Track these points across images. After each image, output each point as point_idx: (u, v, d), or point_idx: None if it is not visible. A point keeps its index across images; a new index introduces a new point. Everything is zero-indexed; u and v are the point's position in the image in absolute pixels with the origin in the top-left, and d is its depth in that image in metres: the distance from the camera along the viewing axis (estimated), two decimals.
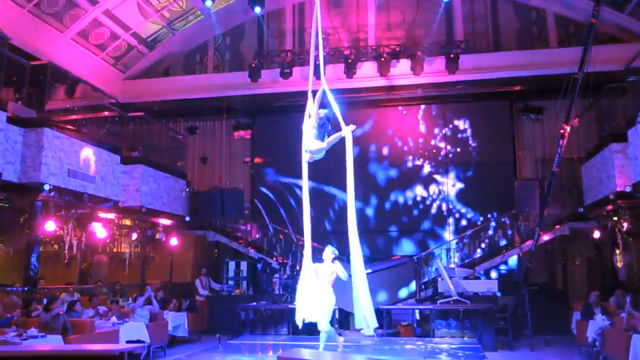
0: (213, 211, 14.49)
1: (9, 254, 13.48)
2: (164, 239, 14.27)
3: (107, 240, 14.23)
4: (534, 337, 10.90)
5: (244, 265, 14.40)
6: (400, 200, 15.51)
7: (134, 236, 14.02)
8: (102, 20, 14.04)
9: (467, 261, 14.05)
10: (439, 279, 12.21)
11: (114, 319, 9.85)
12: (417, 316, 11.32)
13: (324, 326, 7.26)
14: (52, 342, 7.73)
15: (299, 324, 7.31)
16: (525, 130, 15.26)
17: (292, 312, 7.41)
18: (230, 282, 14.30)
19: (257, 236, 15.38)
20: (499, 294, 11.95)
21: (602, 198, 11.77)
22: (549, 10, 15.06)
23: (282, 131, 15.11)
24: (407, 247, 15.23)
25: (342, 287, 7.62)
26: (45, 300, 8.72)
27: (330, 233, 15.10)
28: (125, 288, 13.63)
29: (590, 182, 12.52)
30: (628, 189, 10.64)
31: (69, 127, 11.11)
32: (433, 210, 15.33)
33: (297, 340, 9.76)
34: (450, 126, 15.61)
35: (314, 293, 7.20)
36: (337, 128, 7.31)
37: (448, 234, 15.09)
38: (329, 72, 13.09)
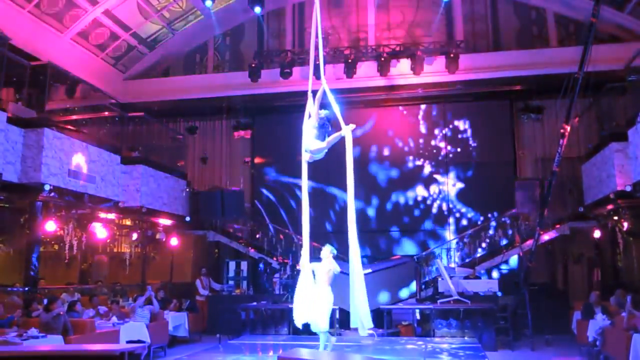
0: (213, 211, 14.49)
1: (10, 254, 13.49)
2: (164, 239, 14.28)
3: (108, 241, 14.25)
4: (535, 337, 10.90)
5: (244, 265, 14.41)
6: (401, 200, 15.51)
7: (134, 236, 14.03)
8: (102, 21, 14.04)
9: (467, 261, 14.05)
10: (440, 279, 12.20)
11: (114, 319, 9.85)
12: (418, 316, 11.32)
13: (324, 326, 7.25)
14: (53, 342, 7.74)
15: (298, 325, 7.30)
16: (526, 130, 15.26)
17: (292, 312, 7.38)
18: (231, 282, 14.30)
19: (258, 236, 15.37)
20: (499, 293, 11.96)
21: (602, 198, 11.77)
22: (549, 9, 15.05)
23: (282, 131, 15.12)
24: (408, 247, 15.24)
25: (341, 287, 7.62)
26: (45, 301, 8.72)
27: (331, 233, 15.10)
28: (125, 288, 13.64)
29: (591, 182, 12.52)
30: (628, 189, 10.64)
31: (69, 127, 11.12)
32: (434, 210, 15.33)
33: (297, 340, 9.75)
34: (451, 126, 15.61)
35: (312, 294, 7.18)
36: (337, 128, 7.31)
37: (449, 234, 15.09)
38: (329, 72, 13.11)
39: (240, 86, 15.21)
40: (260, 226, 15.45)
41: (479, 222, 14.94)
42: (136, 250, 14.35)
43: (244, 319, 11.39)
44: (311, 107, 7.47)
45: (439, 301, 11.59)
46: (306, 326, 7.40)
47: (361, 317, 6.81)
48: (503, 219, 14.46)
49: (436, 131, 15.67)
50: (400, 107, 15.94)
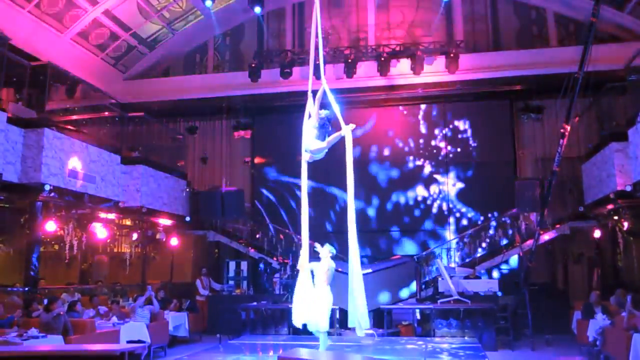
0: (213, 211, 14.49)
1: (10, 254, 13.49)
2: (164, 239, 14.28)
3: (108, 241, 14.25)
4: (535, 337, 10.90)
5: (244, 265, 14.41)
6: (402, 200, 15.51)
7: (135, 236, 14.05)
8: (102, 21, 14.04)
9: (467, 261, 14.04)
10: (440, 279, 12.20)
11: (114, 319, 9.85)
12: (418, 316, 11.33)
13: (323, 326, 7.24)
14: (53, 343, 7.74)
15: (298, 325, 7.29)
16: (526, 130, 15.25)
17: (292, 312, 7.37)
18: (231, 282, 14.29)
19: (258, 236, 15.37)
20: (499, 293, 11.96)
21: (602, 197, 11.76)
22: (549, 9, 15.05)
23: (283, 131, 15.12)
24: (408, 247, 15.23)
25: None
26: (45, 301, 8.73)
27: (331, 233, 15.10)
28: (125, 288, 13.64)
29: (591, 182, 12.52)
30: (628, 188, 10.64)
31: (69, 127, 11.13)
32: (434, 210, 15.33)
33: (297, 340, 9.75)
34: (451, 126, 15.60)
35: (312, 294, 7.16)
36: (338, 128, 7.31)
37: (449, 234, 15.08)
38: (329, 72, 13.12)
39: (240, 86, 15.21)
40: (260, 226, 15.44)
41: (479, 222, 14.94)
42: (136, 250, 14.36)
43: (244, 319, 11.39)
44: (311, 107, 7.47)
45: (439, 301, 11.58)
46: (306, 326, 7.40)
47: (359, 317, 6.81)
48: (503, 219, 14.46)
49: (436, 131, 15.66)
50: (401, 107, 15.93)
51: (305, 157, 7.46)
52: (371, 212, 15.47)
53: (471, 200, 15.17)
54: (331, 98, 7.40)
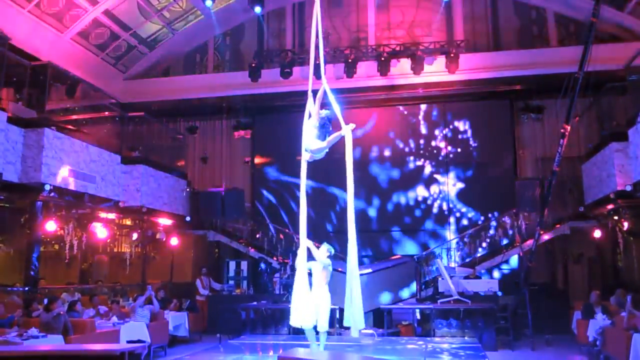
0: (213, 211, 14.49)
1: (10, 254, 13.50)
2: (164, 239, 14.29)
3: (108, 240, 14.26)
4: (535, 337, 10.90)
5: (244, 265, 14.42)
6: (402, 200, 15.50)
7: (135, 236, 14.03)
8: (102, 20, 14.04)
9: (467, 260, 14.04)
10: (440, 279, 12.19)
11: (114, 318, 9.85)
12: (418, 316, 11.32)
13: (323, 326, 7.23)
14: (53, 342, 7.74)
15: (296, 326, 7.27)
16: (526, 130, 15.25)
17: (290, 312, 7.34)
18: (231, 282, 14.30)
19: (258, 236, 15.37)
20: (499, 293, 11.95)
21: (602, 197, 11.76)
22: (549, 9, 15.06)
23: (283, 131, 15.10)
24: (409, 247, 15.22)
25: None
26: (46, 300, 8.72)
27: (331, 233, 15.10)
28: (125, 288, 13.65)
29: (591, 182, 12.52)
30: (628, 188, 10.64)
31: (70, 127, 11.13)
32: (434, 210, 15.32)
33: (297, 340, 9.75)
34: (451, 126, 15.59)
35: (310, 294, 7.14)
36: (338, 128, 7.30)
37: (449, 234, 15.07)
38: (329, 72, 13.13)
39: (241, 86, 15.22)
40: (260, 226, 15.45)
41: (480, 222, 14.93)
42: (136, 250, 14.34)
43: (244, 319, 11.39)
44: (311, 106, 7.46)
45: (439, 301, 11.58)
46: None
47: (354, 317, 6.80)
48: (503, 219, 14.46)
49: (436, 131, 15.65)
50: (401, 107, 15.92)
51: (305, 157, 7.45)
52: (372, 212, 15.46)
53: (471, 200, 15.16)
54: (331, 98, 7.39)
